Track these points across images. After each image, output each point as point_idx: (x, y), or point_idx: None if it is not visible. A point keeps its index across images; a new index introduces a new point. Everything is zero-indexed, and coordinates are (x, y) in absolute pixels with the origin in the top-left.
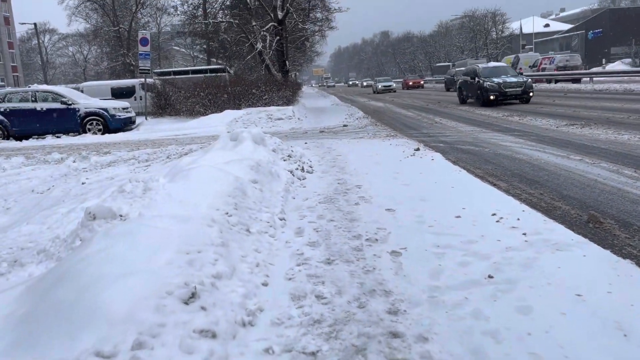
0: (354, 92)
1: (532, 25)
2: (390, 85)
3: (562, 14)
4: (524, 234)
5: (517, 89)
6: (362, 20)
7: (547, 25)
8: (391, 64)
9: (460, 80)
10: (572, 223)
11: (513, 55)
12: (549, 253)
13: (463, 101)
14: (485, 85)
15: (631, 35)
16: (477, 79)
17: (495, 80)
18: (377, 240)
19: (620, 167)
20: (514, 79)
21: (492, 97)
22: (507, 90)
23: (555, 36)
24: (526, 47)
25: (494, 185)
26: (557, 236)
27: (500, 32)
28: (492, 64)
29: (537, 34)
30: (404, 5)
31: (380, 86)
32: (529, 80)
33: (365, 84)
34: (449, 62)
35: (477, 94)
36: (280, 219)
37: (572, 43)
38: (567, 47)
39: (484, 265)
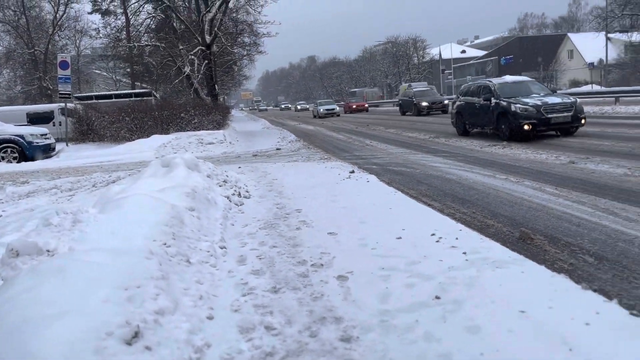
0: (283, 116)
1: (451, 51)
2: (333, 109)
3: (476, 41)
4: (464, 252)
5: (566, 114)
6: (289, 45)
7: (463, 52)
8: (319, 87)
9: (459, 104)
10: (506, 240)
11: (407, 84)
12: (489, 271)
13: (465, 132)
14: (512, 109)
15: (539, 61)
16: (493, 101)
17: (530, 102)
18: (322, 265)
19: (542, 185)
20: (557, 99)
21: (526, 127)
22: (551, 116)
23: (471, 62)
24: (445, 72)
25: (429, 205)
26: (495, 254)
27: (421, 58)
28: (511, 78)
29: (455, 60)
30: (330, 31)
31: (322, 110)
32: (578, 100)
33: (299, 107)
34: (374, 86)
35: (495, 122)
36: (221, 248)
37: (487, 68)
38: (483, 72)
39: (430, 286)
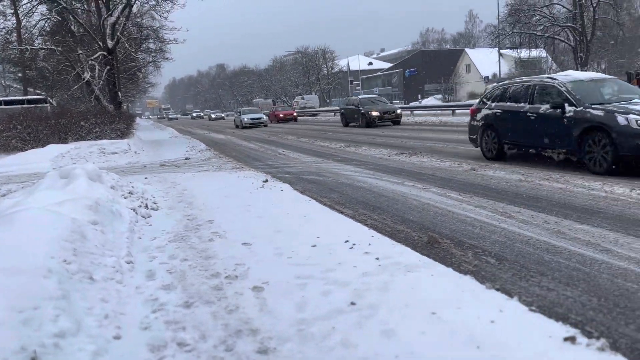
0: (193, 125)
1: (358, 63)
2: (259, 118)
3: (382, 54)
4: (377, 258)
5: None
6: (198, 52)
7: (370, 64)
8: (229, 96)
9: (489, 113)
10: (416, 244)
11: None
12: (401, 275)
13: (500, 155)
14: (621, 122)
15: (440, 74)
16: (569, 109)
17: None
18: (237, 276)
19: (447, 191)
20: None
21: None
22: None
23: (378, 73)
24: (354, 82)
25: (342, 212)
26: (406, 258)
27: (330, 69)
28: (584, 74)
29: (363, 71)
30: (239, 39)
31: (247, 119)
32: None
33: (214, 115)
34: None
35: (578, 144)
36: (128, 263)
37: (393, 80)
38: (389, 83)
39: (345, 293)
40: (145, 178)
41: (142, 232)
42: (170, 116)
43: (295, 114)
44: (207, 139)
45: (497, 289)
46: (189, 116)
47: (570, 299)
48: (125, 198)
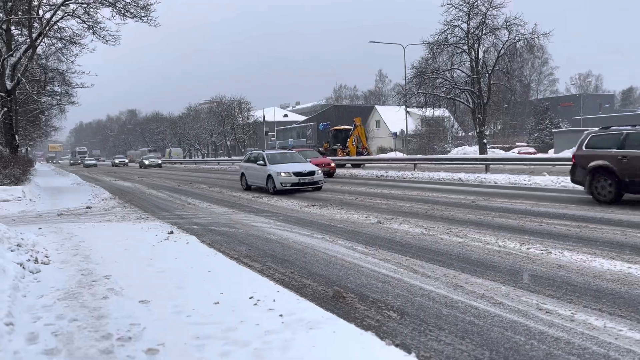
0: (98, 171)
1: (274, 114)
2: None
3: (297, 107)
4: (281, 315)
5: None
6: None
7: (285, 116)
8: (139, 142)
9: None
10: (321, 299)
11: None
12: (303, 333)
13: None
14: None
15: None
16: None
17: None
18: (130, 338)
19: (354, 244)
20: None
21: None
22: None
23: (293, 125)
24: (269, 133)
25: (249, 266)
26: (310, 314)
27: (246, 119)
28: None
29: (278, 123)
30: (152, 85)
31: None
32: None
33: (117, 161)
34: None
35: None
36: (7, 325)
37: (307, 132)
38: (304, 135)
39: (246, 353)
40: (39, 228)
41: (28, 289)
42: (87, 162)
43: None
44: (112, 186)
45: (397, 345)
46: (111, 163)
47: (465, 353)
48: (12, 251)
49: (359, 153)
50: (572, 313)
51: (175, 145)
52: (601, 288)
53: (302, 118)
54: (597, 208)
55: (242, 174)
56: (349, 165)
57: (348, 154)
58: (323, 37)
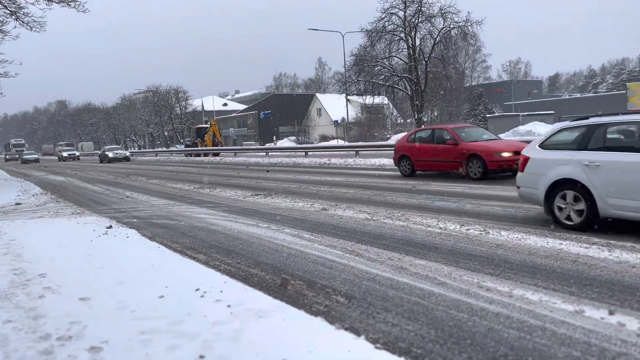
0: (28, 166)
1: (213, 103)
2: (74, 153)
3: (237, 95)
4: (229, 305)
5: None
6: (34, 87)
7: (225, 105)
8: (71, 134)
9: None
10: (269, 288)
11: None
12: (253, 322)
13: None
14: None
15: (293, 117)
16: None
17: None
18: (71, 337)
19: (300, 232)
20: None
21: None
22: None
23: (233, 114)
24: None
25: (194, 258)
26: (258, 304)
27: (184, 108)
28: None
29: (218, 112)
30: (83, 74)
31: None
32: None
33: (112, 155)
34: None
35: None
36: None
37: (248, 121)
38: (244, 124)
39: (194, 345)
40: None
41: None
42: (25, 156)
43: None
44: (44, 181)
45: (346, 329)
46: (57, 157)
47: (412, 333)
48: None
49: (214, 145)
50: (510, 289)
51: (111, 137)
52: (536, 264)
53: (242, 107)
54: None
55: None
56: (211, 155)
57: (206, 146)
58: (261, 22)
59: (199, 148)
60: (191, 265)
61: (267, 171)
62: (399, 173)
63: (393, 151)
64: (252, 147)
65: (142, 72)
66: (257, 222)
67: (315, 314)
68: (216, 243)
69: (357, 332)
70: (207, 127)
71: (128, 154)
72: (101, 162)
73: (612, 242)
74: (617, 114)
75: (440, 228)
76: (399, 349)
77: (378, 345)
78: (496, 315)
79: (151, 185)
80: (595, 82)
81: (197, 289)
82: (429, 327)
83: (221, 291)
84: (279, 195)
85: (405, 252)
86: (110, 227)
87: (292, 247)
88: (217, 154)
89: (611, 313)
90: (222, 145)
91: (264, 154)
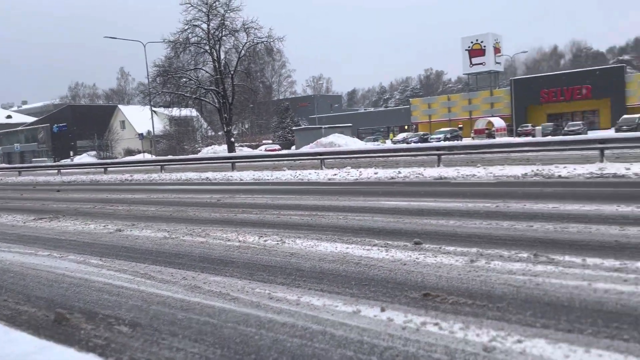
0: None
1: None
2: None
3: (24, 107)
4: None
5: None
6: None
7: (9, 117)
8: None
9: None
10: (39, 326)
11: None
12: None
13: None
14: None
15: (94, 130)
16: None
17: None
18: None
19: (87, 257)
20: None
21: None
22: None
23: (20, 128)
24: None
25: None
26: (19, 347)
27: None
28: None
29: (1, 125)
30: None
31: None
32: None
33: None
34: None
35: None
36: None
37: (39, 135)
38: (34, 139)
39: None
40: None
41: None
42: None
43: None
44: None
45: None
46: None
47: (197, 356)
48: None
49: None
50: (298, 297)
51: None
52: (324, 269)
53: (31, 119)
54: (326, 197)
55: None
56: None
57: None
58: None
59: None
60: None
61: (58, 191)
62: (205, 187)
63: (198, 165)
64: (41, 164)
65: None
66: (36, 250)
67: (91, 349)
68: None
69: None
70: None
71: None
72: None
73: (389, 242)
74: None
75: (240, 241)
76: None
77: None
78: (282, 325)
79: None
80: (385, 97)
81: None
82: (215, 347)
83: None
84: (68, 217)
85: (201, 270)
86: None
87: (75, 275)
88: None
89: (382, 310)
90: None
91: (56, 171)
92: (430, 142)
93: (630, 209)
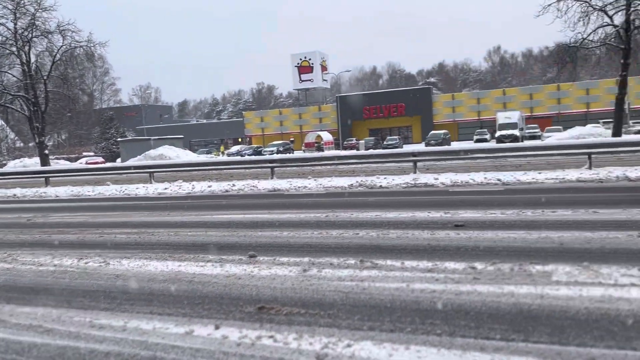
0: None
1: None
2: None
3: None
4: None
5: None
6: None
7: None
8: None
9: None
10: None
11: None
12: None
13: None
14: None
15: None
16: None
17: None
18: None
19: None
20: None
21: None
22: None
23: None
24: None
25: None
26: None
27: None
28: None
29: None
30: None
31: None
32: None
33: None
34: None
35: None
36: None
37: None
38: None
39: None
40: None
41: None
42: None
43: None
44: None
45: None
46: None
47: None
48: None
49: None
50: (124, 322)
51: None
52: (154, 290)
53: None
54: (156, 213)
55: None
56: None
57: None
58: None
59: None
60: None
61: None
62: (13, 205)
63: (5, 180)
64: None
65: None
66: None
67: None
68: None
69: None
70: None
71: None
72: None
73: (223, 257)
74: None
75: (55, 265)
76: None
77: None
78: (106, 355)
79: None
80: (218, 109)
81: None
82: None
83: None
84: None
85: (6, 301)
86: None
87: None
88: None
89: (217, 327)
90: None
91: None
92: (263, 154)
93: (440, 215)
